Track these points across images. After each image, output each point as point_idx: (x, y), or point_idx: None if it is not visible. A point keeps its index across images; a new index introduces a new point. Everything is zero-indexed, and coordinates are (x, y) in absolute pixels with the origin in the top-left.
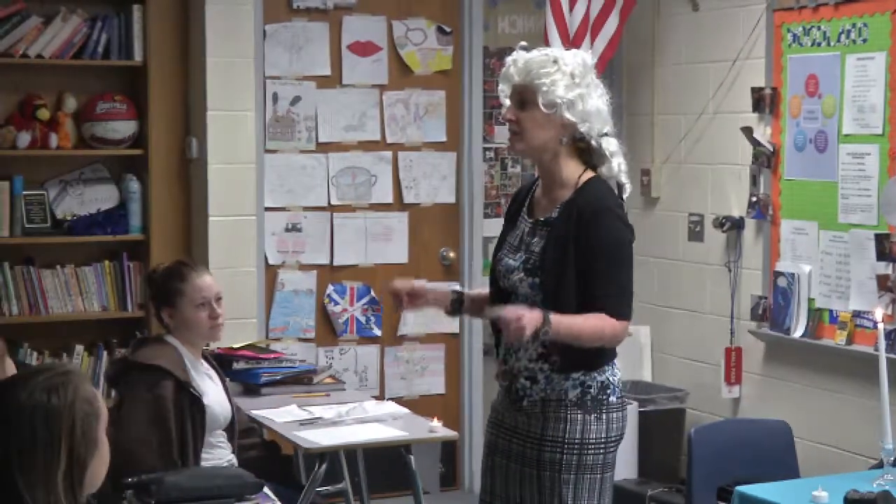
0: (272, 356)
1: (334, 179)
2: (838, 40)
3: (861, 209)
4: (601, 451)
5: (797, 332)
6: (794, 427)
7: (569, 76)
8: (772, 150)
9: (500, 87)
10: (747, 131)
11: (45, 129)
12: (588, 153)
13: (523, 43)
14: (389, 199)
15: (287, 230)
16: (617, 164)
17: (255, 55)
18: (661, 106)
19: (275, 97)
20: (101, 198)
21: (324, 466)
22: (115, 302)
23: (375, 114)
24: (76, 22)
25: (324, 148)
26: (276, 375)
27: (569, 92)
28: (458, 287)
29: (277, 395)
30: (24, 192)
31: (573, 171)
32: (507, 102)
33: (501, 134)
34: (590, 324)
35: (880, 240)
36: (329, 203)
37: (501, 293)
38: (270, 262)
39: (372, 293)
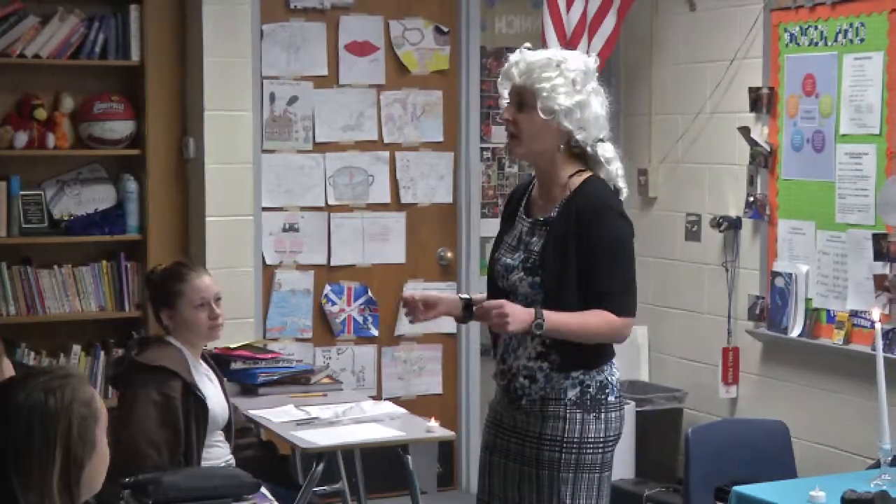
0: (269, 356)
1: (331, 179)
2: (835, 40)
3: (858, 209)
4: (599, 450)
5: (794, 332)
6: (791, 427)
7: (570, 82)
8: (769, 149)
9: (500, 83)
10: (744, 131)
11: (42, 129)
12: (584, 158)
13: (528, 44)
14: (387, 199)
15: (284, 230)
16: (614, 170)
17: (252, 55)
18: (658, 106)
19: (272, 97)
20: (98, 198)
21: (321, 466)
22: (113, 302)
23: (373, 114)
24: (73, 22)
25: (321, 148)
26: (273, 375)
27: (568, 99)
28: (465, 294)
29: (275, 395)
30: (22, 192)
31: (570, 172)
32: (505, 101)
33: (499, 134)
34: (586, 320)
35: (877, 239)
36: (326, 203)
37: (499, 293)
38: (268, 262)
39: (369, 293)
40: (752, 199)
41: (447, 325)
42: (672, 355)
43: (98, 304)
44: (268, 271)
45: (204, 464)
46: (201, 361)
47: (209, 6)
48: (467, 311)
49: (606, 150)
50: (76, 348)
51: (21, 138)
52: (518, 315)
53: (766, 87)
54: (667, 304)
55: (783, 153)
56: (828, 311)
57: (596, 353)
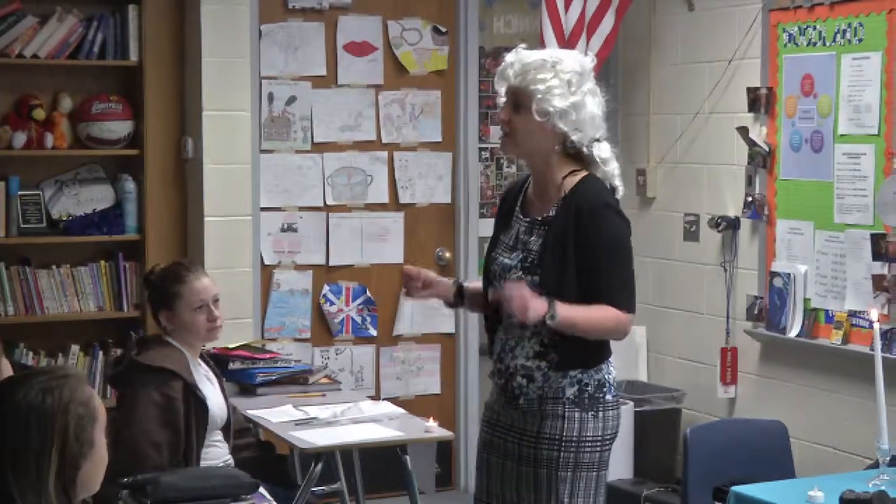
0: (268, 356)
1: (330, 179)
2: (834, 40)
3: (857, 209)
4: (597, 448)
5: (793, 332)
6: (789, 427)
7: (565, 84)
8: (767, 149)
9: (496, 82)
10: (743, 131)
11: (40, 129)
12: (580, 158)
13: (523, 44)
14: (385, 199)
15: (283, 230)
16: (610, 170)
17: (250, 55)
18: (656, 106)
19: (270, 97)
20: (96, 198)
21: (319, 466)
22: (111, 302)
23: (371, 114)
24: (72, 22)
25: (319, 148)
26: (271, 376)
27: (563, 101)
28: (460, 280)
29: (273, 395)
30: (20, 193)
31: (566, 172)
32: (502, 99)
33: (497, 134)
34: (596, 314)
35: (876, 240)
36: (325, 203)
37: None
38: (266, 262)
39: (368, 293)
40: (750, 199)
41: (446, 325)
42: (670, 355)
43: (96, 304)
44: (266, 271)
45: (203, 464)
46: (200, 362)
47: (208, 6)
48: (458, 297)
49: (603, 151)
50: (75, 348)
51: (19, 138)
52: (536, 305)
53: (765, 87)
54: (665, 305)
55: (781, 153)
56: (826, 311)
57: (594, 351)
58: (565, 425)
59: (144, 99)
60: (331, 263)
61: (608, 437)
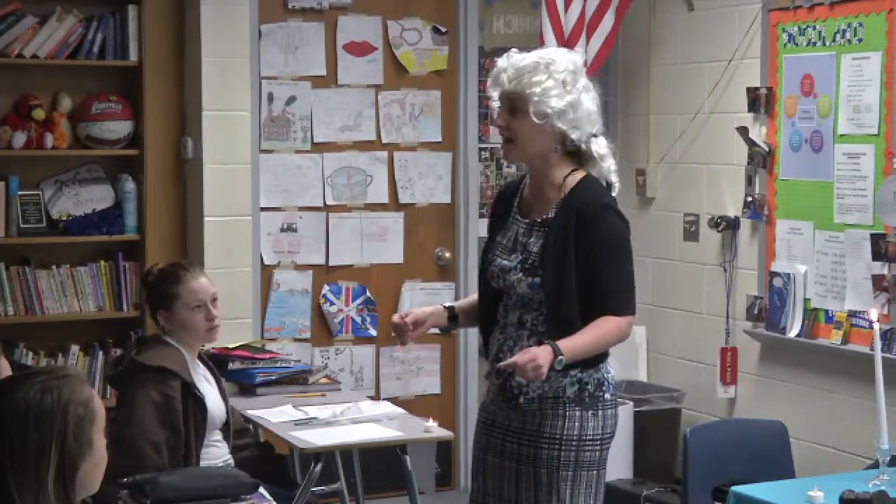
0: (267, 356)
1: (330, 179)
2: (833, 40)
3: (857, 209)
4: (597, 447)
5: (793, 332)
6: (789, 427)
7: (560, 83)
8: (767, 149)
9: (490, 87)
10: (743, 131)
11: (40, 129)
12: (578, 155)
13: (514, 49)
14: (385, 199)
15: (282, 230)
16: (607, 166)
17: (250, 55)
18: (656, 106)
19: (270, 97)
20: (96, 198)
21: (319, 466)
22: (111, 302)
23: (371, 114)
24: (71, 22)
25: (319, 148)
26: (271, 376)
27: (560, 101)
28: (448, 303)
29: (273, 395)
30: (20, 193)
31: (564, 172)
32: (496, 104)
33: (496, 134)
34: (596, 333)
35: (876, 240)
36: (324, 203)
37: (493, 294)
38: (266, 262)
39: (367, 293)
40: (750, 199)
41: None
42: (670, 355)
43: (96, 304)
44: (266, 271)
45: (202, 464)
46: (199, 362)
47: (207, 6)
48: (452, 320)
49: (600, 146)
50: (74, 348)
51: (19, 138)
52: (545, 358)
53: (765, 87)
54: (665, 305)
55: (781, 153)
56: (826, 311)
57: None
58: (566, 424)
59: (144, 99)
60: (330, 263)
61: (608, 435)
